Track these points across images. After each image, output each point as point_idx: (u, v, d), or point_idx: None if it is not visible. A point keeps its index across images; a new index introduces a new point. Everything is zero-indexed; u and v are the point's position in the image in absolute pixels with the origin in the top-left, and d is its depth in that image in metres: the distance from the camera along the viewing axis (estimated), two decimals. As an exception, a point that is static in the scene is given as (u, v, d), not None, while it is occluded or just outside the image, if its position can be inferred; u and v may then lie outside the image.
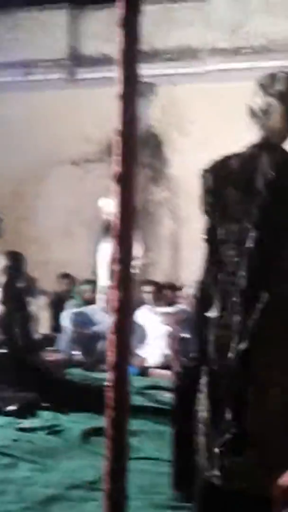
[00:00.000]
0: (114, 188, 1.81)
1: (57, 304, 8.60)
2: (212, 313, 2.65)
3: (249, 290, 2.56)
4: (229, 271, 2.62)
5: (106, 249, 8.17)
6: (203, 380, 2.68)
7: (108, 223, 8.20)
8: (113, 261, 1.82)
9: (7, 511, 3.32)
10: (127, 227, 1.82)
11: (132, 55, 1.81)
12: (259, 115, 2.71)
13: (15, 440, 4.50)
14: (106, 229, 8.25)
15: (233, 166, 2.70)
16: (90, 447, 4.47)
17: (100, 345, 7.68)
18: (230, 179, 2.70)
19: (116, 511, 1.80)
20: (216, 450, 2.55)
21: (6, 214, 10.76)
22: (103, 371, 6.96)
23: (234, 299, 2.58)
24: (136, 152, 1.83)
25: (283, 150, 2.70)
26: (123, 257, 1.81)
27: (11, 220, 10.69)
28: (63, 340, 8.01)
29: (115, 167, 1.81)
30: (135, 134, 1.82)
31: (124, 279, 1.81)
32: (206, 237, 2.73)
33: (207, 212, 2.73)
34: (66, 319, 8.04)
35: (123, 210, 1.81)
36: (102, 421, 4.75)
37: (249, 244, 2.57)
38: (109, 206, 8.13)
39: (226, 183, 2.70)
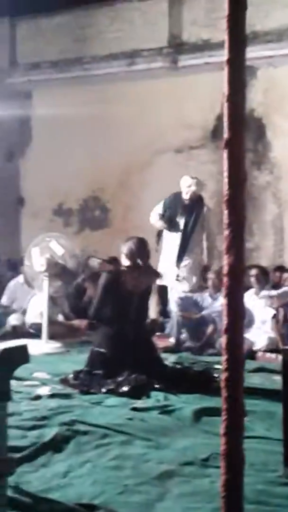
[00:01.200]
0: (224, 153, 1.81)
1: (164, 290, 8.72)
2: None
3: None
4: None
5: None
6: None
7: (184, 203, 8.15)
8: (225, 226, 1.80)
9: (125, 485, 3.44)
10: (237, 191, 1.81)
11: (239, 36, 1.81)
12: None
13: (129, 419, 4.64)
14: (183, 209, 8.21)
15: None
16: (201, 426, 4.57)
17: (208, 330, 7.79)
18: None
19: (232, 487, 1.85)
20: None
21: (113, 204, 11.04)
22: (211, 355, 7.10)
23: None
24: (244, 118, 1.84)
25: None
26: (233, 222, 1.80)
27: (118, 209, 10.96)
28: (172, 325, 8.15)
29: (225, 133, 1.81)
30: (243, 101, 1.82)
31: (235, 244, 1.79)
32: None
33: None
34: (173, 303, 8.16)
35: (233, 175, 1.80)
36: (211, 402, 4.88)
37: None
38: (186, 183, 8.10)
39: None
